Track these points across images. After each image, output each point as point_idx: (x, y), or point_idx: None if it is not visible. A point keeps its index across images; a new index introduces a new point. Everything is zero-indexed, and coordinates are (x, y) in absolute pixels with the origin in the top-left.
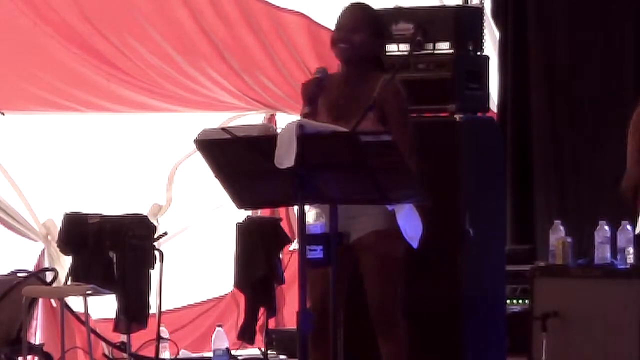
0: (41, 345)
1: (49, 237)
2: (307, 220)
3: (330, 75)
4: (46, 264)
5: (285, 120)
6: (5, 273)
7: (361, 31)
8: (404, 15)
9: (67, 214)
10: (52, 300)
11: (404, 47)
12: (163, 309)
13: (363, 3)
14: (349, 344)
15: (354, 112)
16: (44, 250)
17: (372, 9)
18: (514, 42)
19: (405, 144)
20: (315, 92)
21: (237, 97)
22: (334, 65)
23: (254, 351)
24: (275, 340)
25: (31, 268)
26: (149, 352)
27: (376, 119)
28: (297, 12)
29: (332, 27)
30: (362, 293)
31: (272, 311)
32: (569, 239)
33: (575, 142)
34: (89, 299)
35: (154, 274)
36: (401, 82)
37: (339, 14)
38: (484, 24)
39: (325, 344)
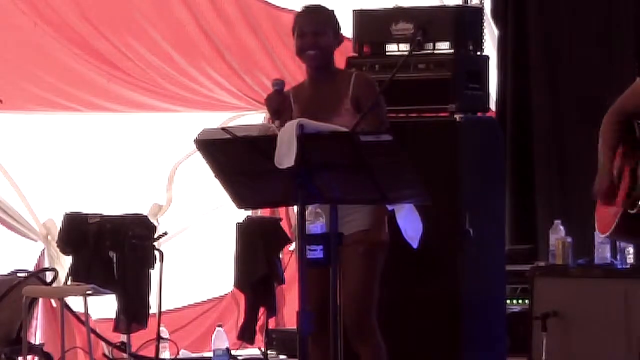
0: (41, 345)
1: (49, 237)
2: (307, 220)
3: (297, 86)
4: (46, 264)
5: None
6: (5, 273)
7: (325, 34)
8: (404, 15)
9: (67, 214)
10: (52, 300)
11: (404, 47)
12: (163, 309)
13: (318, 5)
14: (347, 345)
15: (327, 112)
16: (44, 250)
17: (327, 7)
18: (513, 41)
19: (383, 128)
20: (279, 103)
21: (237, 97)
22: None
23: (254, 351)
24: (275, 340)
25: (31, 268)
26: (149, 352)
27: (355, 113)
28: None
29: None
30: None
31: (272, 311)
32: (569, 239)
33: (575, 141)
34: (89, 299)
35: (154, 274)
36: (396, 81)
37: (296, 20)
38: (484, 24)
39: (326, 343)
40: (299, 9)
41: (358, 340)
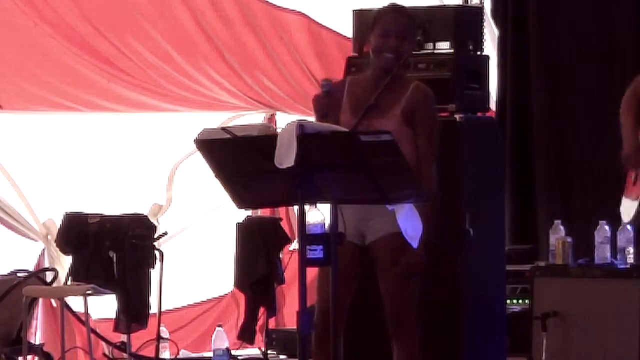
0: (41, 345)
1: (49, 237)
2: (307, 220)
3: (357, 77)
4: (46, 264)
5: (285, 120)
6: (5, 273)
7: (407, 40)
8: None
9: (67, 214)
10: (52, 300)
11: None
12: (163, 309)
13: (405, 7)
14: (352, 344)
15: (379, 114)
16: (44, 250)
17: (410, 12)
18: (513, 41)
19: (431, 151)
20: (326, 106)
21: (237, 97)
22: (335, 66)
23: (254, 351)
24: (275, 340)
25: (31, 268)
26: (149, 352)
27: (402, 121)
28: (297, 12)
29: (332, 27)
30: (367, 293)
31: (272, 311)
32: (569, 239)
33: (575, 141)
34: (89, 298)
35: (154, 274)
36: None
37: (382, 17)
38: (484, 24)
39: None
40: (298, 9)
41: (397, 337)
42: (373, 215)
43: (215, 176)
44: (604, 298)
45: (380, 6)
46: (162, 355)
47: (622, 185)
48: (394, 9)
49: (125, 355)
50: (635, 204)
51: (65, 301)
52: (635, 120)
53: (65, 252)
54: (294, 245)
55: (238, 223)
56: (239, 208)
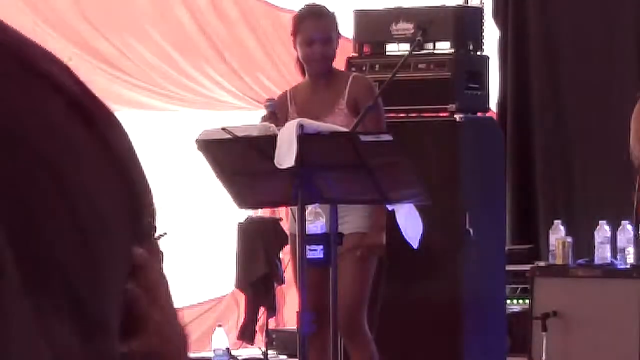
0: None
1: None
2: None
3: (296, 86)
4: None
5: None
6: None
7: (332, 41)
8: (404, 15)
9: None
10: None
11: (404, 47)
12: None
13: (322, 7)
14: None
15: (326, 110)
16: None
17: (328, 9)
18: (513, 41)
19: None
20: (274, 123)
21: (237, 97)
22: (335, 66)
23: (254, 351)
24: (275, 340)
25: None
26: None
27: (349, 113)
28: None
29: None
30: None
31: (272, 311)
32: (569, 239)
33: (575, 141)
34: None
35: None
36: (396, 81)
37: (301, 24)
38: (484, 24)
39: (321, 344)
40: (299, 8)
41: (349, 340)
42: (345, 214)
43: (216, 176)
44: (604, 298)
45: (380, 6)
46: None
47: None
48: (312, 13)
49: None
50: None
51: None
52: None
53: None
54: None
55: (238, 223)
56: (239, 208)
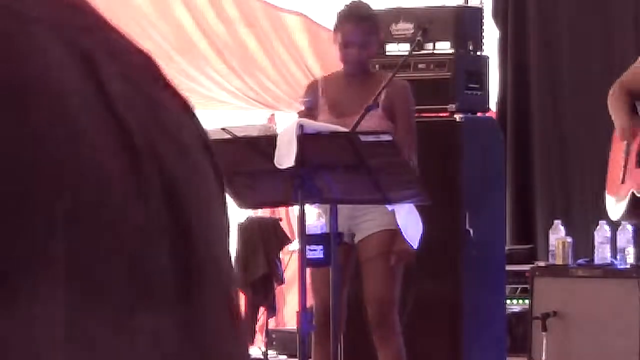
0: None
1: None
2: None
3: (329, 75)
4: None
5: (285, 120)
6: None
7: (371, 45)
8: (404, 15)
9: None
10: None
11: (404, 47)
12: None
13: (365, 9)
14: (351, 344)
15: (357, 110)
16: None
17: (371, 10)
18: (513, 41)
19: (411, 143)
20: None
21: (237, 97)
22: (335, 66)
23: (254, 351)
24: (275, 340)
25: None
26: None
27: (383, 116)
28: (297, 12)
29: (332, 27)
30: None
31: (272, 311)
32: (569, 239)
33: (575, 141)
34: None
35: None
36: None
37: (342, 26)
38: (484, 24)
39: (329, 343)
40: (298, 9)
41: (381, 338)
42: (361, 214)
43: None
44: (604, 298)
45: (380, 6)
46: None
47: (604, 178)
48: (354, 16)
49: None
50: (623, 204)
51: None
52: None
53: None
54: (294, 245)
55: (238, 223)
56: (239, 208)
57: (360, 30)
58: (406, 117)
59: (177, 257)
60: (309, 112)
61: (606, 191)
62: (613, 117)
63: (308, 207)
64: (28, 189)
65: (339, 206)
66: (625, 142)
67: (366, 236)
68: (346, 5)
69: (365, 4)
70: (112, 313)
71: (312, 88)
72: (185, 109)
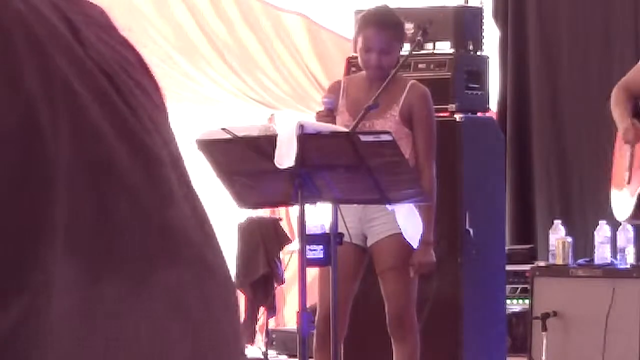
0: None
1: None
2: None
3: (353, 76)
4: None
5: (285, 119)
6: None
7: (393, 52)
8: (404, 15)
9: None
10: None
11: (404, 47)
12: None
13: (390, 16)
14: (353, 345)
15: (376, 115)
16: None
17: (396, 16)
18: (513, 41)
19: (429, 150)
20: (328, 122)
21: (237, 97)
22: (335, 66)
23: (254, 351)
24: (275, 340)
25: None
26: None
27: (400, 121)
28: (297, 12)
29: (332, 27)
30: (368, 295)
31: (272, 311)
32: (569, 239)
33: (575, 141)
34: None
35: None
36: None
37: (365, 31)
38: (484, 24)
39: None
40: (298, 9)
41: (399, 338)
42: (374, 217)
43: (216, 176)
44: (604, 298)
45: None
46: None
47: (609, 175)
48: (377, 21)
49: None
50: (630, 205)
51: None
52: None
53: None
54: (294, 245)
55: (238, 223)
56: (239, 208)
57: (383, 36)
58: (424, 125)
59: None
60: (329, 113)
61: (611, 192)
62: (616, 118)
63: (308, 207)
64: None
65: (350, 209)
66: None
67: (379, 240)
68: (371, 9)
69: (391, 10)
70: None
71: (335, 88)
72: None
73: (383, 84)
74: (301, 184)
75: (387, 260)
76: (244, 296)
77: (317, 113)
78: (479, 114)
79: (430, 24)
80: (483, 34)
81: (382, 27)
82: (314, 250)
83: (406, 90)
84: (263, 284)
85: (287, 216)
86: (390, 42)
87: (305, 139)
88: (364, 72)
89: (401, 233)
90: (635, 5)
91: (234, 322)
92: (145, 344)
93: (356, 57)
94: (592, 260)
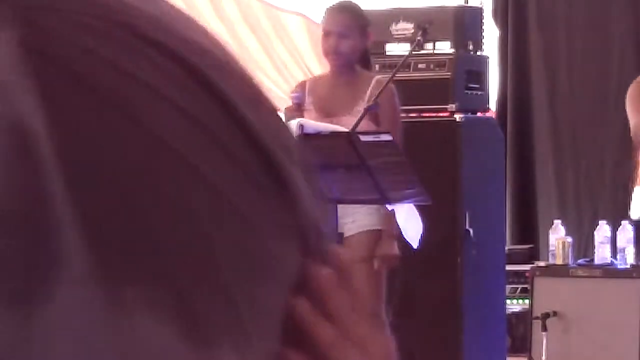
0: None
1: None
2: None
3: (316, 77)
4: None
5: (285, 119)
6: None
7: (349, 36)
8: (404, 15)
9: None
10: None
11: (404, 47)
12: None
13: (347, 3)
14: None
15: (344, 109)
16: None
17: (356, 5)
18: (514, 41)
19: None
20: (297, 115)
21: None
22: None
23: None
24: None
25: None
26: None
27: (370, 118)
28: (297, 12)
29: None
30: None
31: None
32: (569, 239)
33: (575, 141)
34: None
35: None
36: (396, 81)
37: (324, 16)
38: (484, 24)
39: None
40: (298, 9)
41: None
42: (347, 213)
43: None
44: (604, 298)
45: (380, 6)
46: None
47: (633, 174)
48: (335, 6)
49: None
50: None
51: None
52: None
53: None
54: None
55: None
56: None
57: (339, 19)
58: (390, 120)
59: None
60: (298, 107)
61: (634, 189)
62: (629, 117)
63: None
64: None
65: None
66: None
67: (348, 237)
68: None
69: (354, 2)
70: None
71: (301, 86)
72: None
73: (348, 79)
74: None
75: (357, 255)
76: None
77: (286, 108)
78: (479, 114)
79: (430, 24)
80: (483, 34)
81: (338, 10)
82: None
83: (371, 86)
84: None
85: None
86: (347, 24)
87: (305, 139)
88: (328, 72)
89: (372, 229)
90: (635, 5)
91: None
92: None
93: None
94: (592, 260)
